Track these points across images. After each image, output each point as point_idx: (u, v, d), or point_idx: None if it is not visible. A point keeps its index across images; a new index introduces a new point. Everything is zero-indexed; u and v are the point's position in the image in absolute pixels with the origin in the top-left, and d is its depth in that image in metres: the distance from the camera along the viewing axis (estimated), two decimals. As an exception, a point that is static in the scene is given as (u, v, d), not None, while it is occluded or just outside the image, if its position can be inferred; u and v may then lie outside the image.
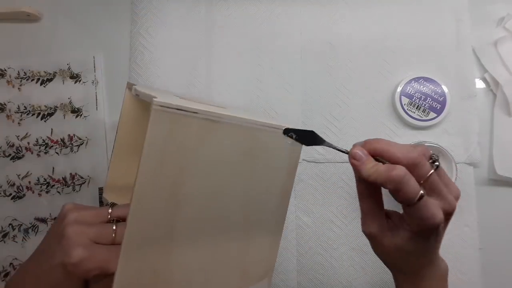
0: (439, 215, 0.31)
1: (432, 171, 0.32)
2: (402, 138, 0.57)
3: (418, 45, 0.59)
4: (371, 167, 0.32)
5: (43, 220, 0.57)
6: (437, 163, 0.32)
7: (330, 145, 0.36)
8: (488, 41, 0.58)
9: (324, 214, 0.56)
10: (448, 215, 0.33)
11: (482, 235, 0.55)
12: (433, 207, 0.31)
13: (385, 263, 0.38)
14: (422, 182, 0.31)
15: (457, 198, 0.33)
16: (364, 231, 0.35)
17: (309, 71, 0.59)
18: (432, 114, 0.56)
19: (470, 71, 0.58)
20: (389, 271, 0.55)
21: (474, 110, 0.57)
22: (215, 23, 0.60)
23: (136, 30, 0.60)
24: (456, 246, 0.55)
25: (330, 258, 0.55)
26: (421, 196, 0.30)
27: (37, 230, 0.57)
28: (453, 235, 0.55)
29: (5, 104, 0.59)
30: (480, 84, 0.59)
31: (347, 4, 0.60)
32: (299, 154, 0.38)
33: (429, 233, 0.32)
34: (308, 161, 0.57)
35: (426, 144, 0.51)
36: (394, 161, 0.31)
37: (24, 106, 0.58)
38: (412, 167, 0.31)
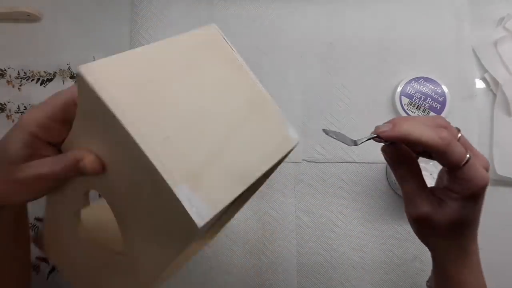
0: (486, 175, 0.31)
1: (460, 134, 0.31)
2: (402, 138, 0.57)
3: (418, 45, 0.59)
4: (410, 122, 0.30)
5: (43, 220, 0.57)
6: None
7: (363, 141, 0.35)
8: (488, 41, 0.58)
9: (324, 214, 0.56)
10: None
11: (482, 235, 0.55)
12: (480, 168, 0.30)
13: (433, 246, 0.36)
14: None
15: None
16: (413, 215, 0.34)
17: (309, 71, 0.59)
18: (432, 114, 0.56)
19: (470, 71, 0.58)
20: (388, 271, 0.55)
21: (474, 110, 0.57)
22: (215, 23, 0.60)
23: (136, 30, 0.60)
24: (456, 246, 0.55)
25: (330, 258, 0.55)
26: (469, 158, 0.30)
27: (37, 230, 0.57)
28: (453, 235, 0.55)
29: (5, 104, 0.58)
30: (480, 84, 0.59)
31: (347, 4, 0.60)
32: (288, 150, 0.38)
33: (478, 196, 0.31)
34: (308, 161, 0.57)
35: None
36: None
37: (24, 106, 0.58)
38: None
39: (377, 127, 0.32)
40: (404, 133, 0.30)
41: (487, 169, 0.32)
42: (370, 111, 0.58)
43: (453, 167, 0.30)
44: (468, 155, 0.30)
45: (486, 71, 0.58)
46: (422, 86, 0.57)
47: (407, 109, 0.56)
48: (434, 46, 0.59)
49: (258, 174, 0.33)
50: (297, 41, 0.59)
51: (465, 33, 0.59)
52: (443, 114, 0.56)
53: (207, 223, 0.28)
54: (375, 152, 0.57)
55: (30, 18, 0.60)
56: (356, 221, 0.56)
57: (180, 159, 0.29)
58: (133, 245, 0.34)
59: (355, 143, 0.35)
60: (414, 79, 0.57)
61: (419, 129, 0.29)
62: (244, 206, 0.41)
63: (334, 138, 0.35)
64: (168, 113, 0.31)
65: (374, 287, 0.55)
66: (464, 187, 0.31)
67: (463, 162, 0.30)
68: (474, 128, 0.57)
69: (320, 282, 0.55)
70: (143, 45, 0.58)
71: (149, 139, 0.28)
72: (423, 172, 0.53)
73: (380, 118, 0.58)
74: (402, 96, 0.56)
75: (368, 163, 0.56)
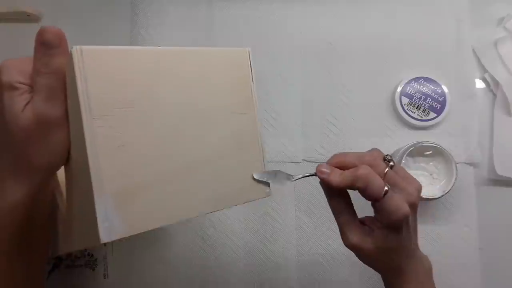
0: (404, 207, 0.34)
1: (388, 168, 0.36)
2: (402, 138, 0.57)
3: (418, 45, 0.59)
4: (339, 175, 0.35)
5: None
6: (391, 163, 0.37)
7: (298, 178, 0.38)
8: (488, 41, 0.58)
9: (324, 214, 0.56)
10: (412, 206, 0.35)
11: (482, 235, 0.55)
12: (398, 200, 0.34)
13: (373, 268, 0.40)
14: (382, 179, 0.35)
15: (417, 190, 0.36)
16: (346, 245, 0.38)
17: (309, 71, 0.59)
18: (432, 114, 0.56)
19: (470, 71, 0.58)
20: (389, 271, 0.55)
21: (474, 110, 0.57)
22: (215, 23, 0.60)
23: (136, 30, 0.60)
24: (456, 246, 0.55)
25: (330, 258, 0.55)
26: (386, 191, 0.33)
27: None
28: (453, 235, 0.55)
29: (5, 104, 0.58)
30: (480, 84, 0.59)
31: (347, 4, 0.60)
32: (250, 199, 0.36)
33: (399, 225, 0.35)
34: (308, 161, 0.57)
35: (426, 144, 0.51)
36: (352, 167, 0.35)
37: (24, 106, 0.58)
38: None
39: (319, 166, 0.36)
40: (334, 185, 0.35)
41: (411, 202, 0.35)
42: (370, 111, 0.58)
43: (371, 200, 0.35)
44: (386, 188, 0.33)
45: (486, 71, 0.58)
46: (422, 86, 0.57)
47: (407, 109, 0.56)
48: (434, 46, 0.59)
49: (194, 215, 0.33)
50: (297, 41, 0.59)
51: (465, 33, 0.59)
52: (443, 114, 0.56)
53: (120, 238, 0.28)
54: (375, 152, 0.57)
55: (30, 18, 0.60)
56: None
57: (124, 171, 0.28)
58: (71, 212, 0.33)
59: (290, 178, 0.38)
60: (414, 79, 0.57)
61: (344, 178, 0.35)
62: (244, 206, 0.40)
63: (264, 182, 0.37)
64: (139, 121, 0.29)
65: (374, 287, 0.55)
66: (383, 217, 0.35)
67: (382, 195, 0.33)
68: (474, 128, 0.57)
69: (320, 282, 0.55)
70: (143, 45, 0.59)
71: (101, 141, 0.27)
72: (423, 172, 0.53)
73: (380, 118, 0.58)
74: (402, 96, 0.56)
75: (368, 163, 0.56)
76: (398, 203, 0.34)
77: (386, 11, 0.60)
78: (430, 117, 0.56)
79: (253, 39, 0.60)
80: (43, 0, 0.60)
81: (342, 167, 0.36)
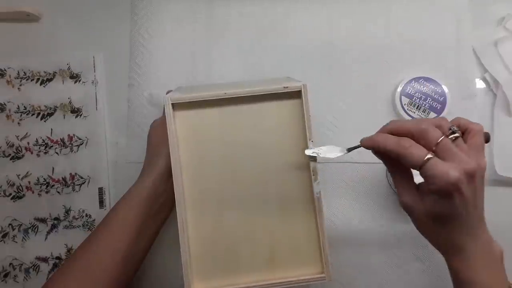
0: (452, 173, 0.33)
1: (442, 137, 0.35)
2: (402, 138, 0.56)
3: (418, 45, 0.59)
4: (384, 137, 0.37)
5: (43, 220, 0.57)
6: (456, 134, 0.36)
7: (352, 148, 0.42)
8: (488, 41, 0.58)
9: (324, 214, 0.56)
10: (468, 175, 0.34)
11: (482, 235, 0.55)
12: (444, 166, 0.33)
13: (431, 241, 0.40)
14: (434, 148, 0.35)
15: (478, 163, 0.35)
16: (401, 204, 0.39)
17: (309, 71, 0.59)
18: (432, 114, 0.56)
19: (470, 71, 0.58)
20: (389, 272, 0.55)
21: (474, 110, 0.57)
22: (215, 23, 0.60)
23: (136, 30, 0.60)
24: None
25: (330, 258, 0.55)
26: (428, 159, 0.34)
27: (37, 230, 0.57)
28: (453, 235, 0.55)
29: (5, 104, 0.59)
30: (480, 84, 0.59)
31: (348, 4, 0.60)
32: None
33: (447, 191, 0.34)
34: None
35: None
36: (405, 132, 0.36)
37: (24, 106, 0.58)
38: (421, 135, 0.35)
39: (361, 139, 0.40)
40: (373, 144, 0.38)
41: (466, 170, 0.34)
42: (370, 111, 0.58)
43: (411, 167, 0.36)
44: (428, 156, 0.34)
45: (486, 71, 0.58)
46: (422, 86, 0.57)
47: (407, 109, 0.56)
48: (434, 46, 0.59)
49: None
50: (297, 40, 0.59)
51: (465, 33, 0.59)
52: (443, 114, 0.56)
53: None
54: (375, 152, 0.57)
55: (30, 18, 0.60)
56: (356, 221, 0.56)
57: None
58: None
59: (344, 150, 0.43)
60: (414, 79, 0.57)
61: (385, 140, 0.37)
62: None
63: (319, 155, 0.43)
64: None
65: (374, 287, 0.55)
66: (429, 183, 0.35)
67: (421, 163, 0.34)
68: (474, 128, 0.57)
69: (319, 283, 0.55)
70: (143, 45, 0.59)
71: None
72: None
73: (380, 118, 0.58)
74: (402, 96, 0.56)
75: (368, 163, 0.56)
76: (443, 169, 0.33)
77: (386, 11, 0.60)
78: (430, 117, 0.56)
79: (253, 38, 0.60)
80: (43, 0, 0.60)
81: (398, 133, 0.37)
